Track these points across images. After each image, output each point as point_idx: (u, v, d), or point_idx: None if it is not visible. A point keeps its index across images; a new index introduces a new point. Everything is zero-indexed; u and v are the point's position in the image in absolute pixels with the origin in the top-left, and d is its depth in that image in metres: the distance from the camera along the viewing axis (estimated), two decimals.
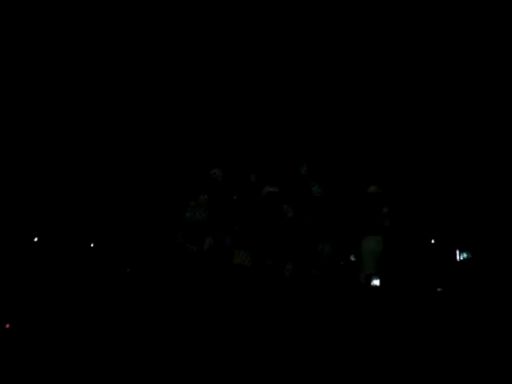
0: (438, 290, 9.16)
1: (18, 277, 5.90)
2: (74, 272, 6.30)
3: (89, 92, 8.41)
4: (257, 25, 8.59)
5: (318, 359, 3.77)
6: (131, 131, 8.37)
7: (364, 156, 8.42)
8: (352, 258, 6.97)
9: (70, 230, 6.68)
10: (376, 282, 8.81)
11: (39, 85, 8.19)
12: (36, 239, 6.19)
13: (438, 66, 8.90)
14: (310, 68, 8.86)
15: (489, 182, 8.56)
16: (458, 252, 8.79)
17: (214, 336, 4.44)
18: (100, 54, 8.44)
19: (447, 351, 4.20)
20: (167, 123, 8.33)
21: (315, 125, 8.70)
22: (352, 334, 5.06)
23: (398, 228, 7.25)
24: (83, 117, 8.35)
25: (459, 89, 8.91)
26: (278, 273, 5.60)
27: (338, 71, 8.86)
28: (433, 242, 9.13)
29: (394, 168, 8.37)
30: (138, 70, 8.58)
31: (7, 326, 4.49)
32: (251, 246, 5.58)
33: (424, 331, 5.24)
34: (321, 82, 8.82)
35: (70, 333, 4.41)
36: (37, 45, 8.13)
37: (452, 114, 9.01)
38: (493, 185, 8.48)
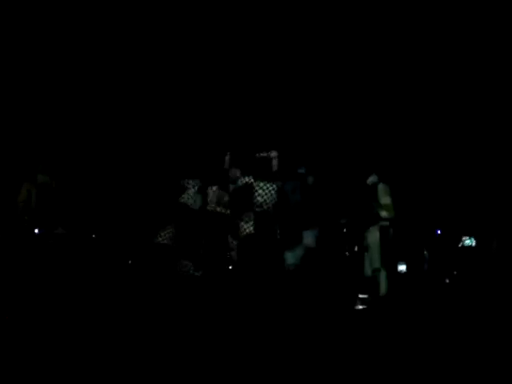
0: (446, 280, 9.12)
1: (18, 271, 5.96)
2: (74, 267, 6.35)
3: (88, 93, 8.44)
4: (256, 25, 8.54)
5: (317, 357, 3.75)
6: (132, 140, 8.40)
7: (364, 147, 8.38)
8: (356, 249, 6.96)
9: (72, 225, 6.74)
10: (402, 268, 8.78)
11: (39, 85, 8.23)
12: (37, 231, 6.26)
13: (437, 64, 8.85)
14: (309, 67, 8.82)
15: (490, 173, 8.51)
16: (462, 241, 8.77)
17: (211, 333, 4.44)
18: (100, 54, 8.45)
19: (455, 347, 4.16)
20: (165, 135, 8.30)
21: (314, 118, 8.66)
22: (354, 330, 5.04)
23: (403, 219, 7.23)
24: (83, 118, 8.38)
25: (457, 82, 8.86)
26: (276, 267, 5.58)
27: (338, 69, 8.82)
28: (439, 232, 9.11)
29: (395, 158, 8.33)
30: (137, 73, 8.57)
31: (6, 317, 4.52)
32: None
33: (431, 325, 5.19)
34: (320, 81, 8.77)
35: (68, 329, 4.42)
36: (37, 45, 8.15)
37: (452, 106, 8.96)
38: (494, 176, 8.44)
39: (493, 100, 8.84)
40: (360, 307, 6.27)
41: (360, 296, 6.47)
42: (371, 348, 3.98)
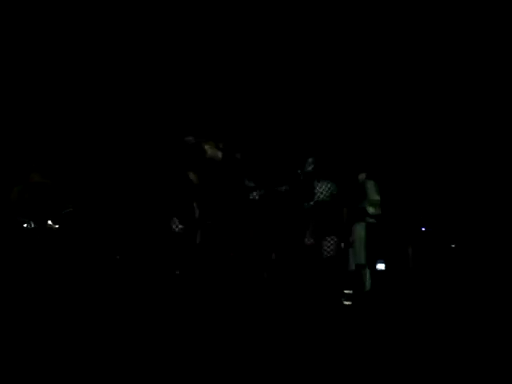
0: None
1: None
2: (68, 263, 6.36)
3: (88, 92, 8.42)
4: (258, 25, 8.55)
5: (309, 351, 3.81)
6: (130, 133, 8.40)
7: (355, 145, 8.46)
8: (342, 246, 7.02)
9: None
10: (381, 267, 8.93)
11: (39, 85, 8.20)
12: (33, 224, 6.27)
13: (426, 62, 8.92)
14: (310, 67, 8.86)
15: (479, 172, 8.62)
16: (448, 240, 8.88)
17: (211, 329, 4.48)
18: (99, 54, 8.42)
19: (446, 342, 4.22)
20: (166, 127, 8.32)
21: (303, 116, 8.72)
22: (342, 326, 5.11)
23: (389, 216, 7.32)
24: (83, 117, 8.37)
25: (445, 78, 8.95)
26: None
27: (337, 69, 8.87)
28: (423, 229, 9.24)
29: (385, 156, 8.42)
30: (137, 71, 8.56)
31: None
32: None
33: (419, 321, 5.26)
34: (320, 80, 8.81)
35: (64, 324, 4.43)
36: (37, 45, 8.12)
37: (441, 106, 9.05)
38: (482, 175, 8.55)
39: (484, 100, 8.93)
40: (345, 303, 6.35)
41: (345, 292, 6.56)
42: (358, 343, 4.05)
